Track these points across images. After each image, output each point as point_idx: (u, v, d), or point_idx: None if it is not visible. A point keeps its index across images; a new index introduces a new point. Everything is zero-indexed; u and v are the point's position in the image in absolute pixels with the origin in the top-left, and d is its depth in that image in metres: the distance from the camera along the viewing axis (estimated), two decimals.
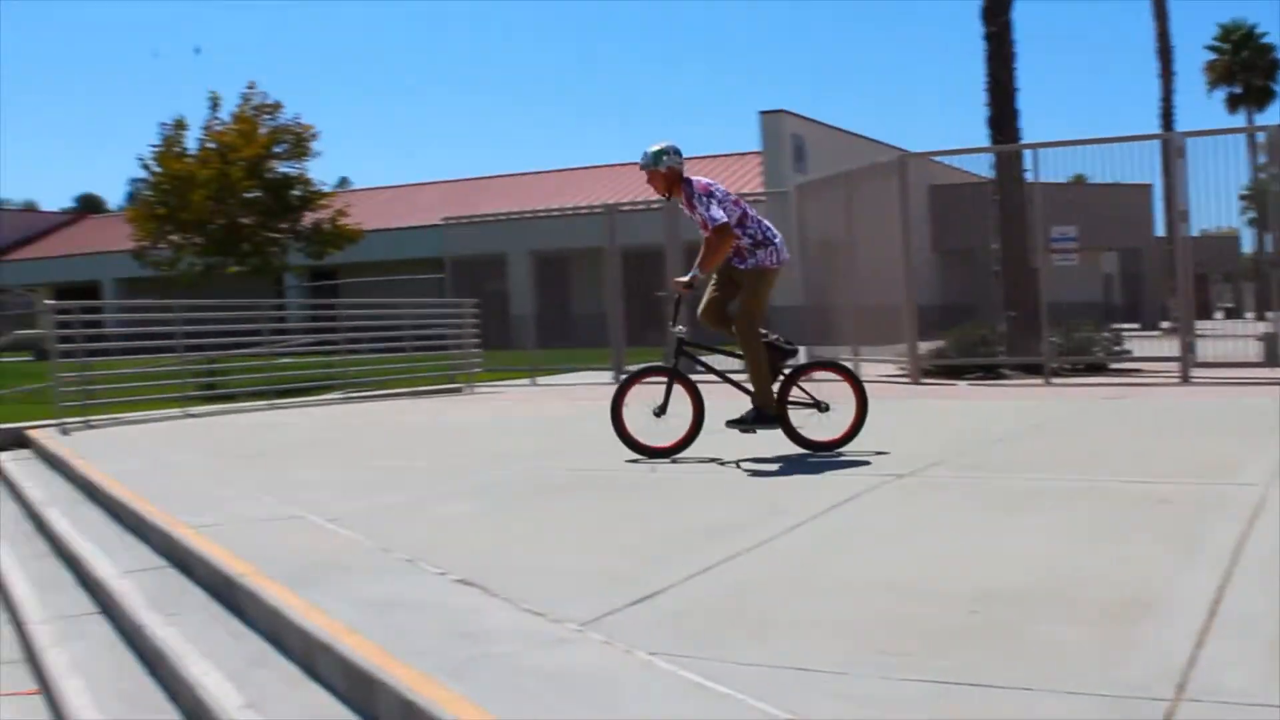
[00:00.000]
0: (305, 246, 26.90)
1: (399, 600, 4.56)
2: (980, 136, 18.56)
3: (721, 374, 8.78)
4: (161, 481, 8.53)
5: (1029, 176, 16.07)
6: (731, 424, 8.46)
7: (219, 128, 26.07)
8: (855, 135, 41.70)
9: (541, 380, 20.13)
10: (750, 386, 8.47)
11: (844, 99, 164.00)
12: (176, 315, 14.77)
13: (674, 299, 8.60)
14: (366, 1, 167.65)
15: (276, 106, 26.65)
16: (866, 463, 7.77)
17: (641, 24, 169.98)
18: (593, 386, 18.25)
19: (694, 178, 8.38)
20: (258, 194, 25.80)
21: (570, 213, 28.35)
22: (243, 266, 26.01)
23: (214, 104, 26.32)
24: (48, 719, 5.13)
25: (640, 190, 42.65)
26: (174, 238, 25.84)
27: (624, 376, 8.78)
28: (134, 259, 27.48)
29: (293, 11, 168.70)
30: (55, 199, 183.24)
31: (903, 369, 16.34)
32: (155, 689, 4.81)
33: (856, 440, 8.41)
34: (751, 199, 22.41)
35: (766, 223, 8.44)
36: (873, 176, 17.16)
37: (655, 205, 21.84)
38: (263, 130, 26.07)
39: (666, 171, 8.40)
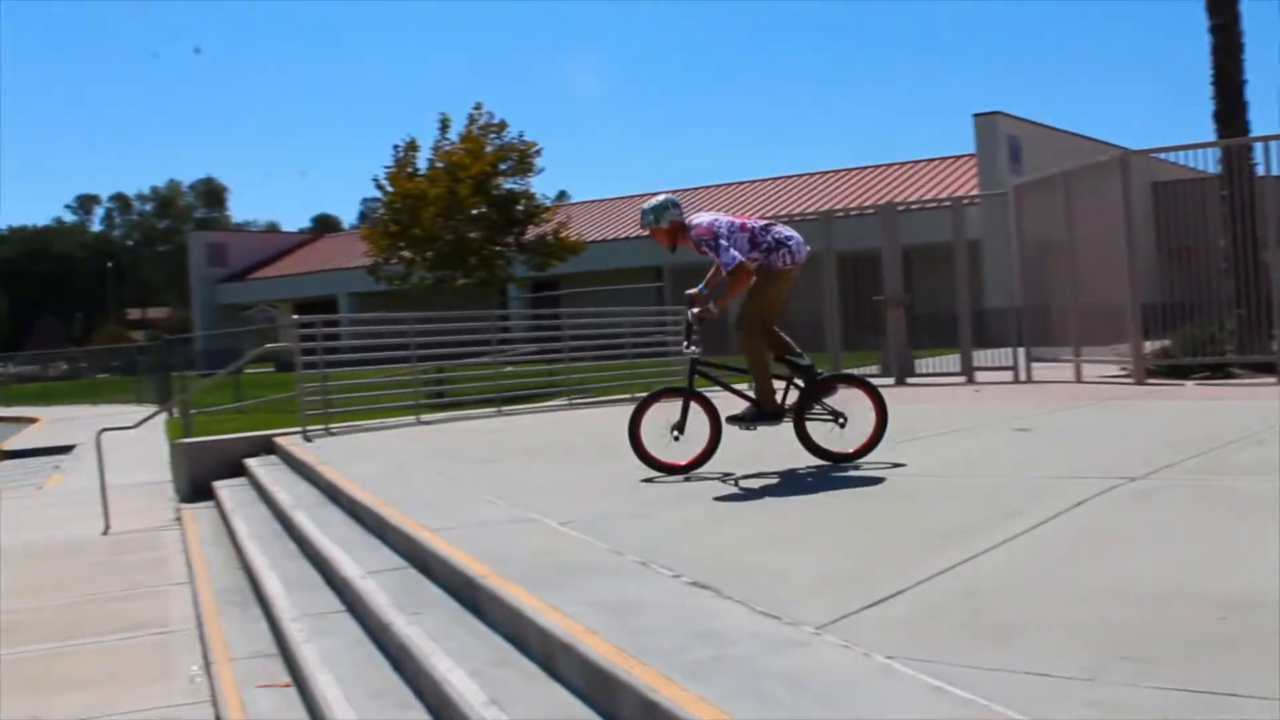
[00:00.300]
0: (529, 259, 27.36)
1: (634, 602, 4.56)
2: (1205, 131, 17.79)
3: (726, 385, 8.60)
4: (399, 485, 8.74)
5: (1259, 170, 15.35)
6: (731, 420, 8.31)
7: (447, 147, 26.71)
8: (1072, 134, 40.60)
9: None
10: (753, 394, 8.35)
11: (1060, 98, 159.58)
12: (409, 327, 15.16)
13: (686, 322, 8.42)
14: (581, 20, 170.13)
15: (502, 125, 27.21)
16: (1095, 466, 7.49)
17: (853, 26, 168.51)
18: None
19: (692, 221, 8.23)
20: (484, 210, 26.33)
21: (784, 219, 28.29)
22: (470, 279, 26.58)
23: (443, 125, 27.01)
24: (301, 709, 5.31)
25: (856, 195, 42.31)
26: (406, 253, 26.55)
27: (641, 398, 8.64)
28: (368, 274, 28.31)
29: (511, 27, 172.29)
30: (294, 220, 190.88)
31: (1126, 369, 15.75)
32: (400, 684, 4.92)
33: (1077, 446, 8.12)
34: (967, 201, 21.99)
35: (779, 228, 8.27)
36: (1093, 175, 16.60)
37: (870, 210, 21.59)
38: (489, 149, 26.62)
39: (669, 227, 8.29)
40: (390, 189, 26.59)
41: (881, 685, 3.42)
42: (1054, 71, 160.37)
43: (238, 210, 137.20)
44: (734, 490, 7.54)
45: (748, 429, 8.34)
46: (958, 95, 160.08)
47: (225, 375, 20.77)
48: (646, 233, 8.44)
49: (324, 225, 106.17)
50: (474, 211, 26.25)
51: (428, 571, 6.08)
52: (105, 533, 11.57)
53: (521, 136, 27.35)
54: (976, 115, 39.15)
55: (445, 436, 13.05)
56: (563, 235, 27.45)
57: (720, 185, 53.33)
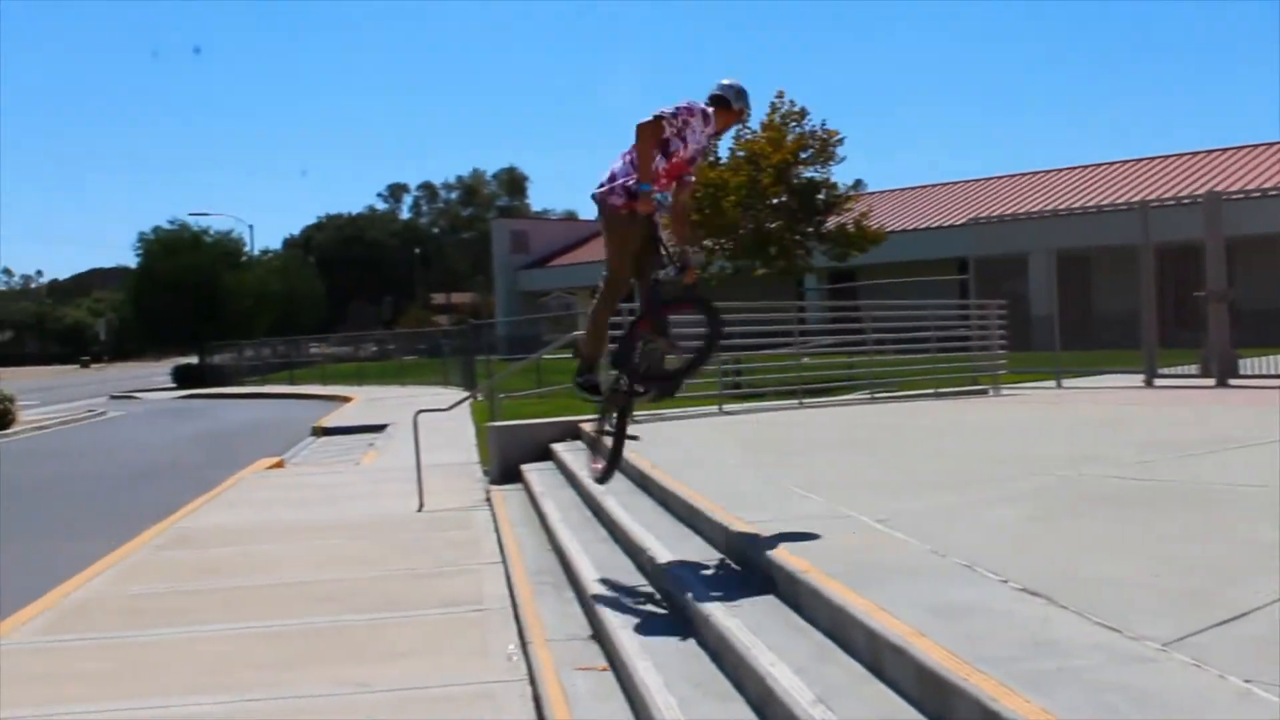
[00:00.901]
0: (829, 249, 27.17)
1: (963, 605, 4.46)
2: None
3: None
4: (707, 475, 8.81)
5: None
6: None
7: (748, 136, 26.74)
8: None
9: (1066, 383, 19.42)
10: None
11: None
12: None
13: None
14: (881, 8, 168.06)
15: (803, 113, 27.06)
16: None
17: (1172, 4, 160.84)
18: (1121, 390, 17.46)
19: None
20: (784, 199, 26.29)
21: (1094, 210, 27.32)
22: (769, 269, 26.60)
23: None
24: (618, 694, 5.40)
25: (1176, 184, 40.43)
26: (707, 243, 26.76)
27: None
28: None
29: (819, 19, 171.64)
30: (592, 208, 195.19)
31: None
32: (719, 676, 4.94)
33: None
34: None
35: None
36: None
37: (1186, 200, 20.62)
38: (789, 137, 26.53)
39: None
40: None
41: (1240, 710, 3.25)
42: None
43: (537, 199, 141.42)
44: (1048, 494, 7.30)
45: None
46: None
47: (533, 361, 21.39)
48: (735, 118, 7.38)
49: None
50: (774, 201, 26.23)
51: (743, 563, 6.11)
52: (419, 510, 12.03)
53: (824, 125, 27.18)
54: None
55: (748, 427, 13.09)
56: (864, 225, 27.14)
57: (1020, 174, 51.77)
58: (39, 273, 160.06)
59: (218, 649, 6.95)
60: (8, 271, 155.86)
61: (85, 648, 7.20)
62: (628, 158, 7.01)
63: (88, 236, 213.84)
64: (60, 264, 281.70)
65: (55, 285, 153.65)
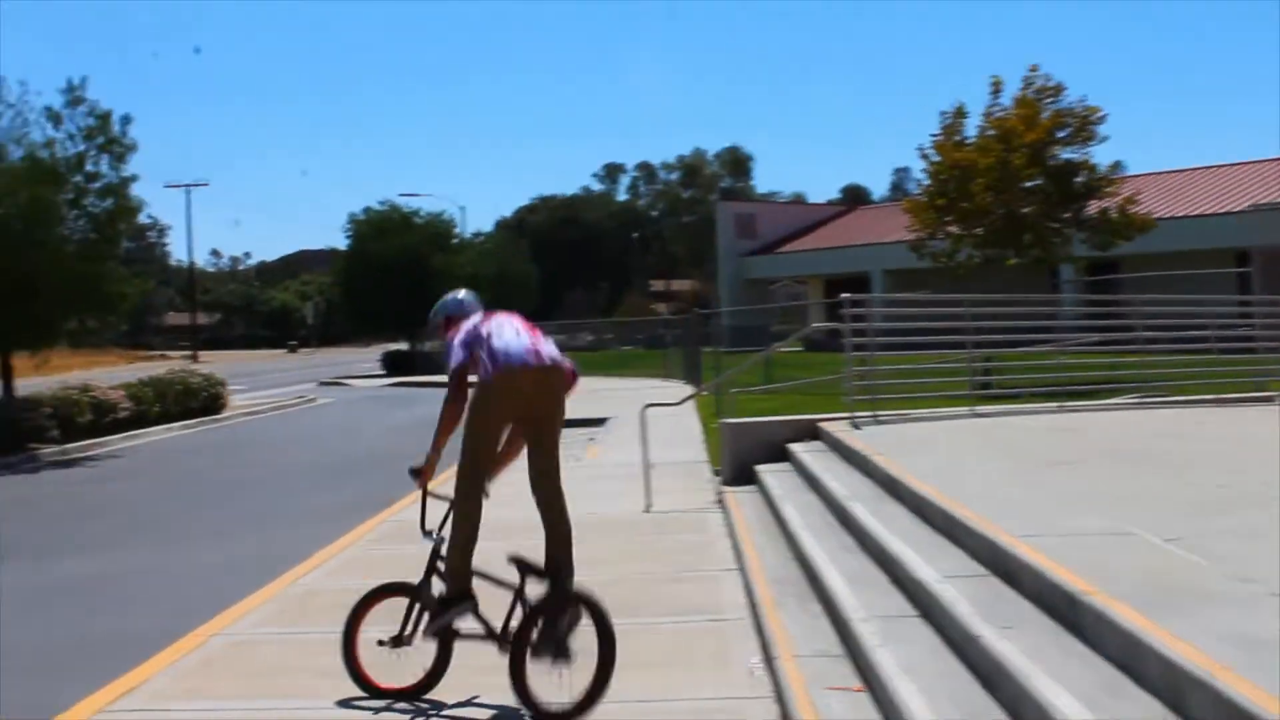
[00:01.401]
0: (1090, 236, 26.43)
1: (1272, 638, 4.31)
2: None
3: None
4: (966, 483, 8.69)
5: None
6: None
7: (999, 114, 26.18)
8: None
9: None
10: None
11: None
12: (965, 310, 14.99)
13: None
14: None
15: (1059, 89, 26.33)
16: None
17: None
18: None
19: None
20: (1039, 182, 25.69)
21: None
22: (1022, 258, 26.03)
23: (995, 89, 26.45)
24: (876, 717, 5.38)
25: None
26: (953, 229, 26.31)
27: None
28: (911, 251, 28.22)
29: None
30: (821, 191, 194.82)
31: None
32: (991, 703, 4.89)
33: None
34: None
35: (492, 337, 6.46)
36: None
37: None
38: (1045, 115, 25.89)
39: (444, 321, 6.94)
40: (936, 159, 26.38)
41: None
42: None
43: (762, 180, 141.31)
44: None
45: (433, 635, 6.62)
46: None
47: (768, 354, 21.39)
48: None
49: (853, 197, 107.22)
50: (1028, 184, 25.65)
51: (1013, 581, 6.02)
52: (646, 510, 12.15)
53: (1083, 101, 26.41)
54: None
55: (1005, 431, 12.85)
56: (1130, 210, 26.29)
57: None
58: (247, 254, 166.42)
59: None
60: (216, 253, 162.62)
61: (306, 642, 7.54)
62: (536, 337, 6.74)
63: (297, 217, 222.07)
64: (268, 245, 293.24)
65: (263, 267, 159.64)
